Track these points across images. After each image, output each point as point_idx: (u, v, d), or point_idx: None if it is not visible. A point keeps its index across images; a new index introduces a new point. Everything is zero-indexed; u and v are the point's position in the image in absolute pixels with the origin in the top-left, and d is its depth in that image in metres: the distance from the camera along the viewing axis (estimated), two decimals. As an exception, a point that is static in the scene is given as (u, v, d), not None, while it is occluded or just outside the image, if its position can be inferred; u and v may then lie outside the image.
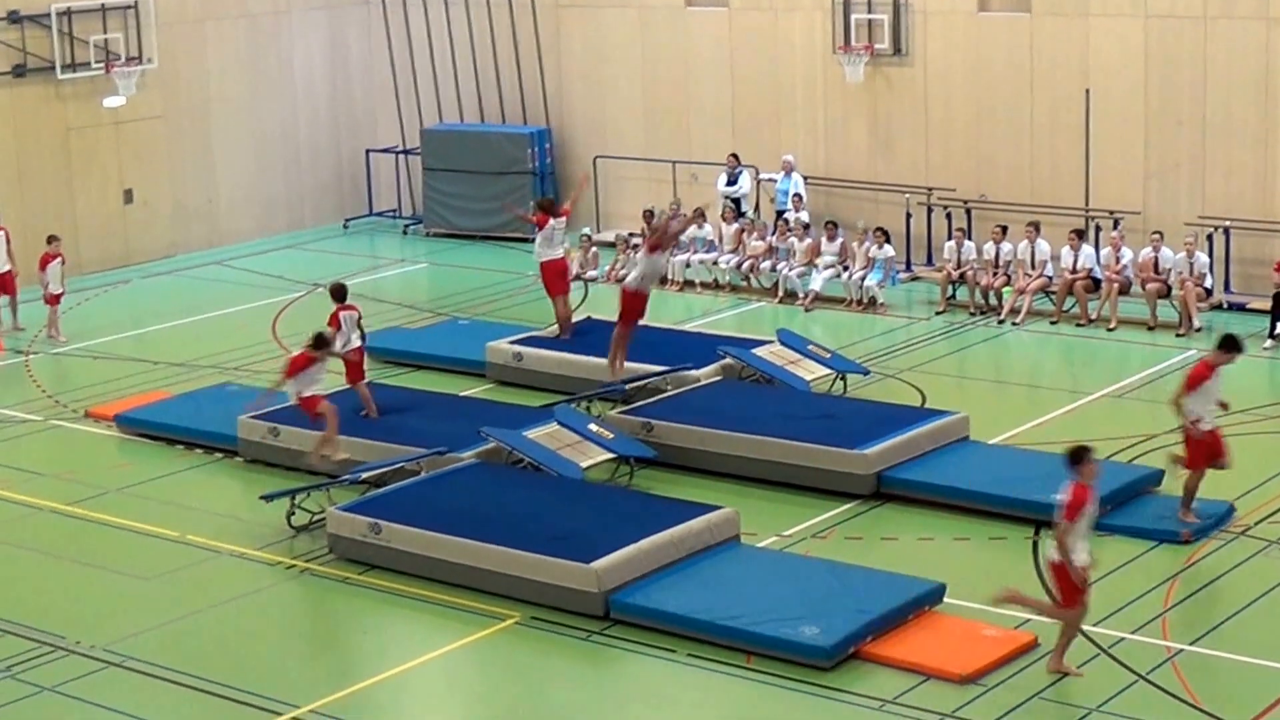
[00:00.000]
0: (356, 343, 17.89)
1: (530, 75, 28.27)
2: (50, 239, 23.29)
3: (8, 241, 23.21)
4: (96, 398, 20.11)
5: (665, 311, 23.36)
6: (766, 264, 23.98)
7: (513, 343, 20.33)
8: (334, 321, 17.76)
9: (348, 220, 29.72)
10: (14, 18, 25.61)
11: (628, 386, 18.65)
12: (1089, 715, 11.82)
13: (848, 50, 24.96)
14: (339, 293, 18.14)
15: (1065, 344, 21.51)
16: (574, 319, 21.09)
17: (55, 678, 13.01)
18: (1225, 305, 22.11)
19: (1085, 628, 13.09)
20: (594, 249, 25.40)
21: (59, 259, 23.04)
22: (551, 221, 20.49)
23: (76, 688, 12.83)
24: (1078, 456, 12.49)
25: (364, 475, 16.18)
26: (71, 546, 15.81)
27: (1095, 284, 22.07)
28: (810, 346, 19.59)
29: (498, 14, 28.40)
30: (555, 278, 20.52)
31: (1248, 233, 22.38)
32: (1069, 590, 12.27)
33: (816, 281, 23.31)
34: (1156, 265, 21.73)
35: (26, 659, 13.34)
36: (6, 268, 23.09)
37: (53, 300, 22.89)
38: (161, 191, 27.59)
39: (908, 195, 24.67)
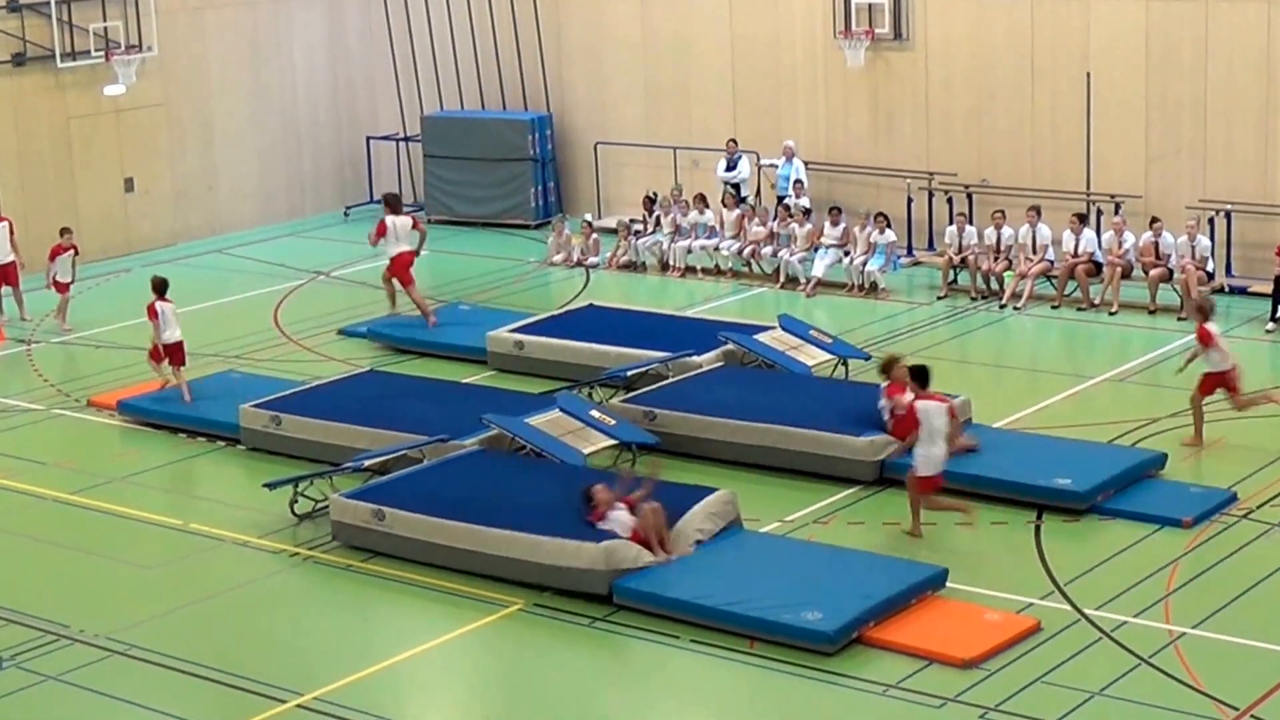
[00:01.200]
0: (178, 336, 18.74)
1: (530, 61, 28.25)
2: (63, 231, 23.27)
3: (11, 232, 23.21)
4: (99, 386, 20.11)
5: (667, 298, 23.36)
6: (768, 249, 23.97)
7: (514, 330, 20.33)
8: (151, 313, 18.65)
9: (349, 208, 29.71)
10: (13, 6, 25.59)
11: (629, 373, 18.66)
12: (1092, 699, 11.83)
13: (848, 35, 24.92)
14: (159, 286, 18.89)
15: (1067, 328, 21.51)
16: (575, 306, 21.10)
17: (59, 666, 13.03)
18: (1227, 289, 22.10)
19: (1088, 611, 13.13)
20: (595, 235, 25.39)
21: (71, 251, 23.01)
22: (393, 220, 21.28)
23: (80, 676, 12.86)
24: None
25: (366, 463, 16.19)
26: (74, 535, 15.83)
27: (1097, 268, 22.06)
28: (812, 332, 19.59)
29: (498, 0, 28.36)
30: (403, 270, 21.20)
31: (1249, 216, 22.37)
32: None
33: (819, 267, 23.31)
34: (1158, 249, 21.72)
35: (30, 648, 13.36)
36: (10, 258, 23.09)
37: (61, 288, 22.90)
38: (162, 180, 27.59)
39: (909, 180, 24.65)
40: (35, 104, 25.98)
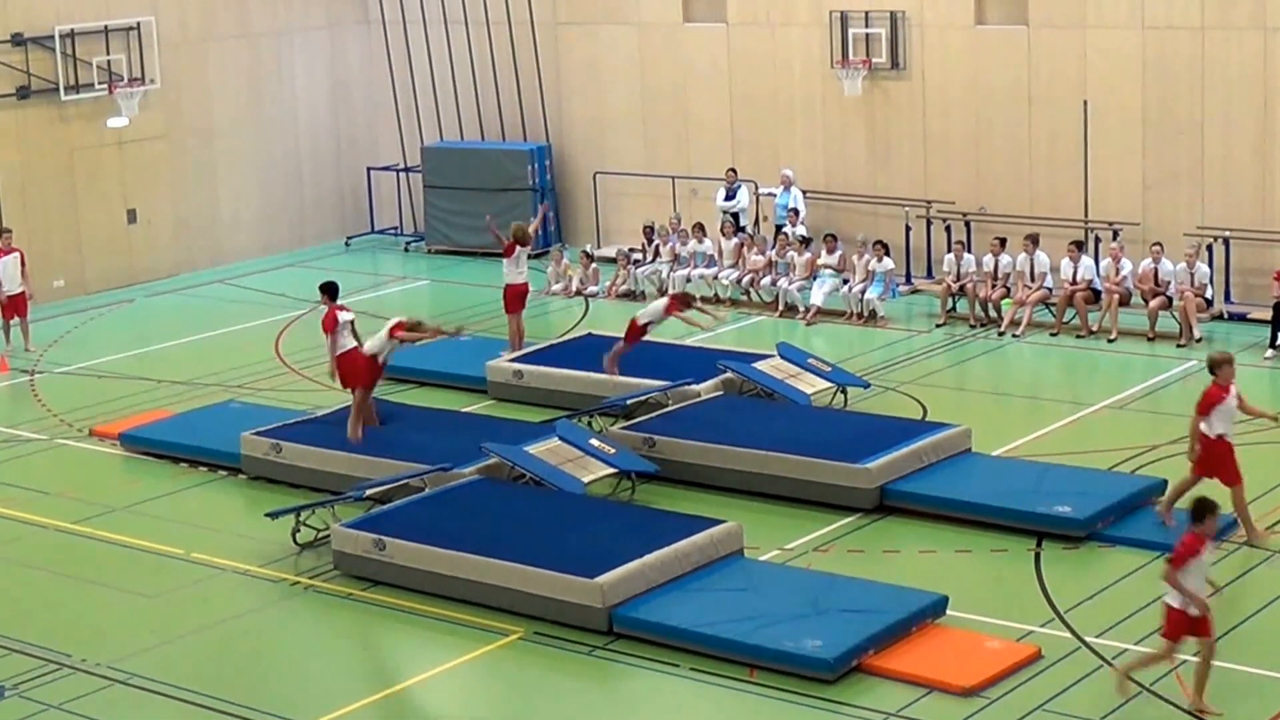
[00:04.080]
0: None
1: (529, 92, 28.36)
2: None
3: (23, 264, 23.36)
4: (101, 416, 20.15)
5: (666, 327, 23.35)
6: (766, 279, 24.04)
7: (513, 359, 20.38)
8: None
9: (350, 238, 29.80)
10: (18, 40, 25.71)
11: (629, 402, 18.70)
12: (1091, 726, 11.85)
13: (846, 64, 25.03)
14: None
15: (1066, 356, 21.54)
16: (574, 335, 21.14)
17: (60, 695, 13.05)
18: (1226, 316, 22.15)
19: (1089, 639, 13.15)
20: (594, 265, 25.45)
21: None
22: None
23: (82, 705, 12.87)
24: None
25: (368, 492, 16.23)
26: (76, 564, 15.85)
27: (1095, 295, 22.11)
28: (810, 360, 19.63)
29: (497, 32, 28.49)
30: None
31: (1247, 243, 22.43)
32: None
33: (817, 295, 23.36)
34: (1157, 276, 21.77)
35: (32, 677, 13.38)
36: (20, 289, 23.24)
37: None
38: (165, 211, 27.68)
39: (907, 208, 24.72)
40: (39, 136, 26.08)
